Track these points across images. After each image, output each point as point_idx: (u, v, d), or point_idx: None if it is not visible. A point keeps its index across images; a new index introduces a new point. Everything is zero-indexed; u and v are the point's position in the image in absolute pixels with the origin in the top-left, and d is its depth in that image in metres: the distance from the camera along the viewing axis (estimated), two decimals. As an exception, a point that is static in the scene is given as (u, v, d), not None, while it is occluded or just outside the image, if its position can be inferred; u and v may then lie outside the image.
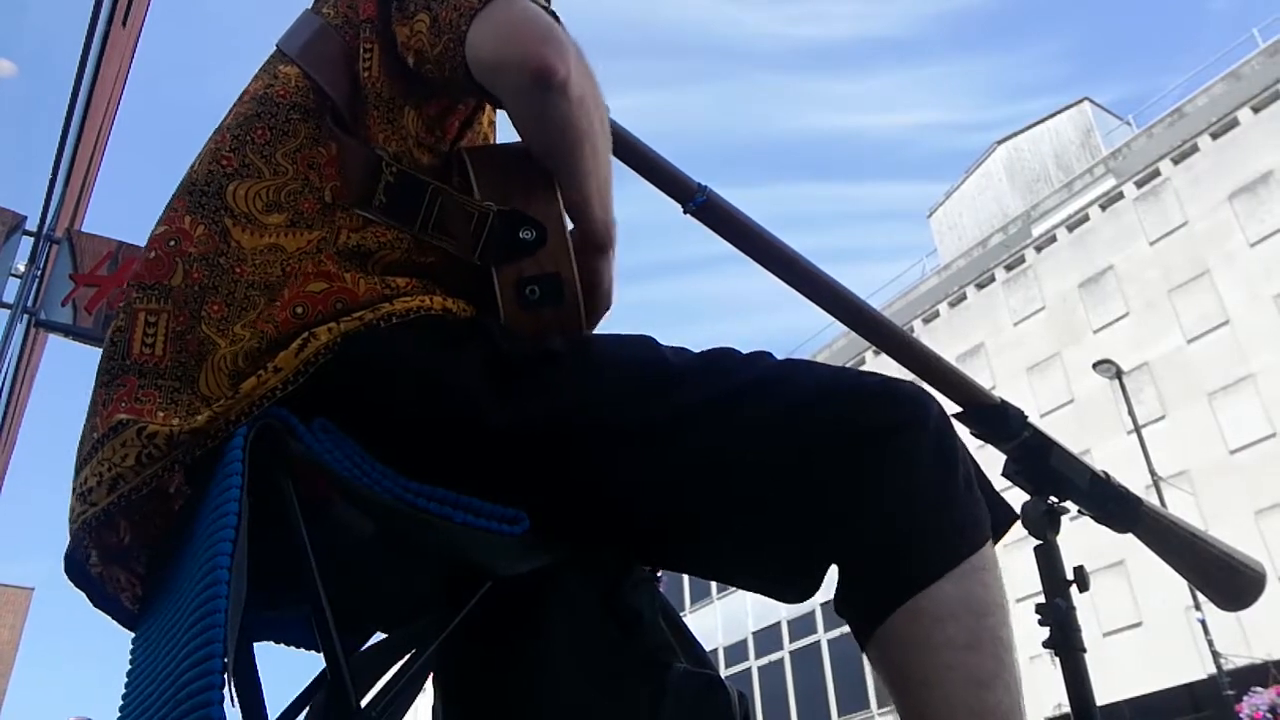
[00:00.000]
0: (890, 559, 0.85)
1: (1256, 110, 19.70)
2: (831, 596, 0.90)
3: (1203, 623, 13.86)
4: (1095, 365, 16.80)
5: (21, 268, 7.80)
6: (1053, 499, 1.11)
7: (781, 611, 23.76)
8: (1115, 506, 1.15)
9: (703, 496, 0.87)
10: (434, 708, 1.01)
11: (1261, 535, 16.07)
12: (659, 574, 1.02)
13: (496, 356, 0.88)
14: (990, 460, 0.99)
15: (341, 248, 0.90)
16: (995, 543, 0.92)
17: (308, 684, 0.95)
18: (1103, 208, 22.12)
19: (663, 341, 0.95)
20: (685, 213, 1.11)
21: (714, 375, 0.90)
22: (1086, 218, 22.40)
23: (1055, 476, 1.12)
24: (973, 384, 1.13)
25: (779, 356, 0.95)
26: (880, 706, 21.12)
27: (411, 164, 0.95)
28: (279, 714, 0.93)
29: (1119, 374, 16.21)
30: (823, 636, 22.91)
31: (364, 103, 0.96)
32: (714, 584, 25.01)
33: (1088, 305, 21.37)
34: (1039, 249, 23.25)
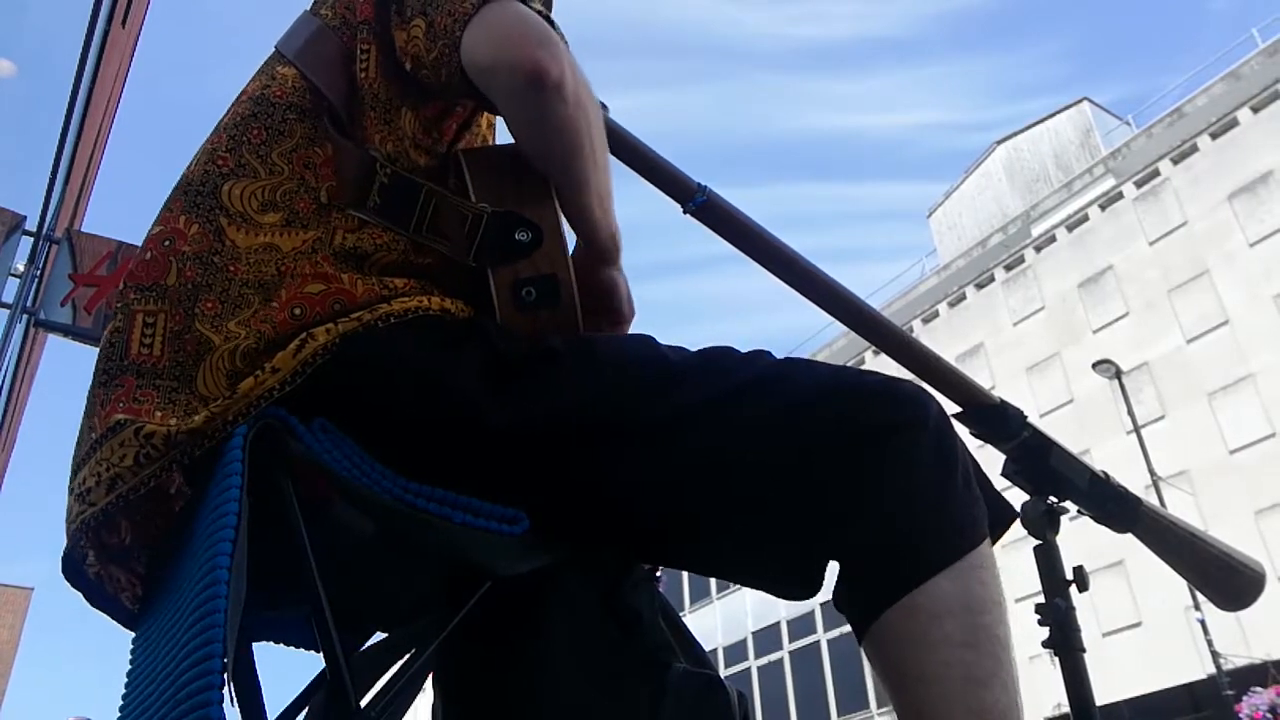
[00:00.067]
0: (889, 557, 0.85)
1: (1256, 110, 19.70)
2: (831, 596, 0.90)
3: (1202, 623, 13.87)
4: (1095, 365, 16.81)
5: (21, 267, 7.80)
6: (1052, 499, 1.11)
7: (781, 611, 23.77)
8: (1115, 506, 1.15)
9: (703, 496, 0.87)
10: (434, 708, 1.01)
11: (1261, 535, 16.07)
12: (659, 574, 1.02)
13: (495, 357, 0.88)
14: (990, 460, 0.99)
15: (338, 249, 0.90)
16: (994, 542, 0.92)
17: (308, 684, 0.95)
18: (1102, 208, 22.13)
19: (662, 341, 0.96)
20: (685, 213, 1.11)
21: (714, 374, 0.91)
22: (1086, 218, 22.41)
23: (1055, 476, 1.12)
24: (972, 384, 1.13)
25: (779, 356, 0.95)
26: (879, 706, 21.12)
27: (408, 166, 0.95)
28: (279, 714, 0.93)
29: (1118, 374, 16.22)
30: (822, 636, 22.92)
31: (361, 104, 0.96)
32: (713, 584, 25.07)
33: (1087, 305, 21.37)
34: (1038, 249, 23.25)
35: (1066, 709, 1.02)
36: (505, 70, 0.89)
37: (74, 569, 0.90)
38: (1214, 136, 20.23)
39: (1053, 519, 1.10)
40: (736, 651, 25.16)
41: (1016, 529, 1.03)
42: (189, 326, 0.86)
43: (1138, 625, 17.77)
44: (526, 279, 0.92)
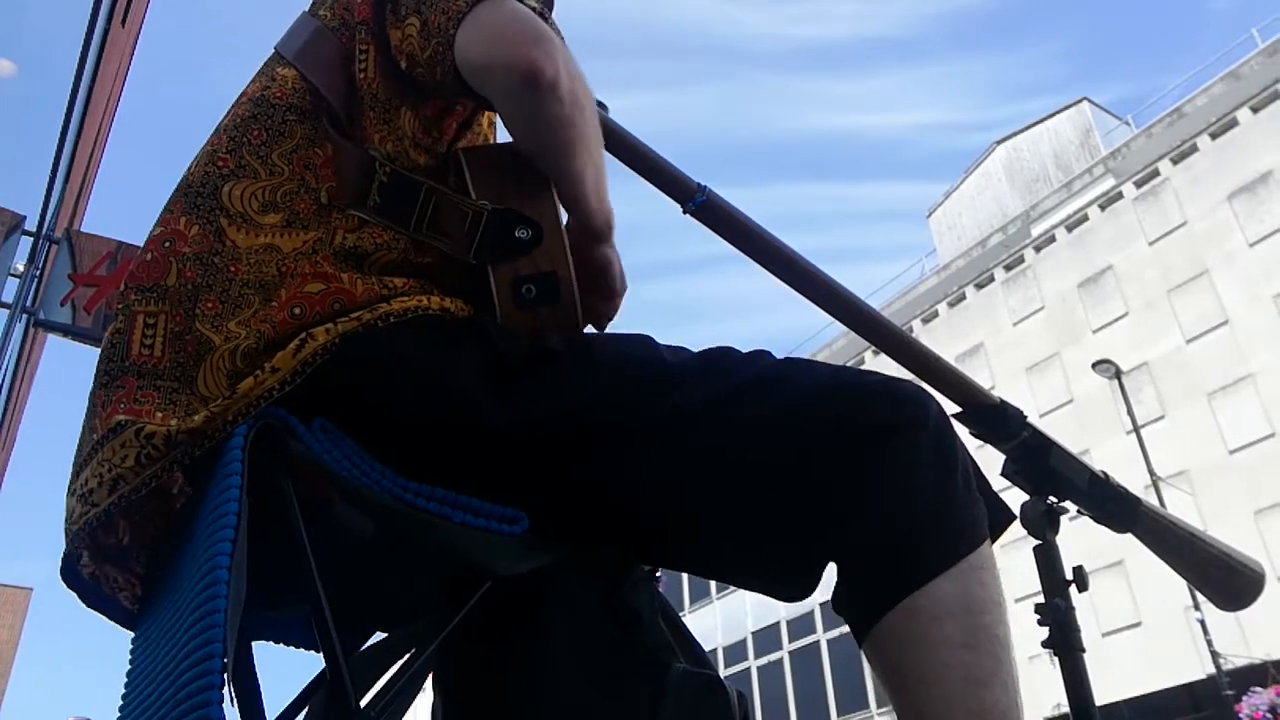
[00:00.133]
0: (889, 558, 0.85)
1: (1256, 110, 19.70)
2: (830, 596, 0.90)
3: (1202, 623, 13.87)
4: (1094, 365, 16.80)
5: (20, 267, 7.80)
6: (1052, 499, 1.11)
7: (781, 611, 23.77)
8: (1114, 506, 1.15)
9: (703, 496, 0.87)
10: (434, 707, 1.01)
11: (1261, 535, 16.07)
12: (659, 574, 1.02)
13: (495, 356, 0.88)
14: (990, 460, 0.99)
15: (338, 248, 0.90)
16: (993, 543, 0.92)
17: (308, 684, 0.95)
18: (1102, 208, 22.13)
19: (662, 342, 0.96)
20: (685, 213, 1.11)
21: (713, 375, 0.91)
22: (1086, 218, 22.41)
23: (1054, 476, 1.12)
24: (972, 384, 1.13)
25: (779, 356, 0.95)
26: (879, 706, 21.13)
27: (408, 165, 0.95)
28: (279, 714, 0.93)
29: (1118, 374, 16.22)
30: (822, 636, 22.91)
31: (360, 104, 0.96)
32: (713, 584, 25.02)
33: (1087, 305, 21.37)
34: (1038, 249, 23.25)
35: (1066, 709, 1.02)
36: (500, 69, 0.89)
37: (69, 570, 0.90)
38: (1214, 136, 20.23)
39: (1052, 519, 1.10)
40: (736, 651, 25.16)
41: (1017, 529, 1.03)
42: (189, 327, 0.86)
43: (1137, 625, 17.77)
44: (527, 276, 0.92)
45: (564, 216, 0.97)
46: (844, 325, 1.14)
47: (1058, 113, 27.95)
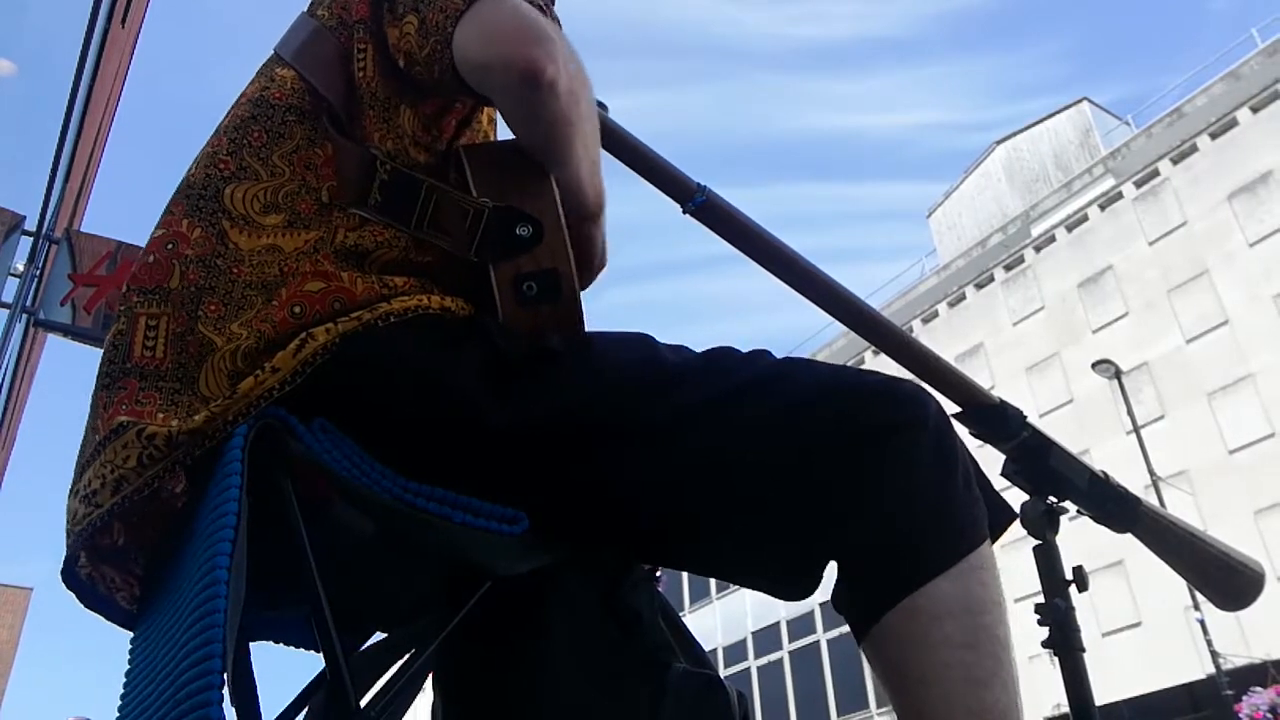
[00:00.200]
0: (889, 558, 0.85)
1: (1255, 110, 19.71)
2: (830, 596, 0.90)
3: (1202, 623, 13.87)
4: (1094, 365, 16.81)
5: (20, 267, 7.80)
6: (1052, 499, 1.11)
7: (781, 611, 23.77)
8: (1114, 506, 1.15)
9: (703, 496, 0.87)
10: (434, 707, 1.01)
11: (1261, 535, 16.07)
12: (659, 574, 1.02)
13: (495, 356, 0.88)
14: (990, 460, 0.99)
15: (339, 247, 0.90)
16: (993, 542, 0.92)
17: (308, 684, 0.95)
18: (1102, 208, 22.13)
19: (662, 341, 0.96)
20: (685, 213, 1.11)
21: (714, 374, 0.91)
22: (1085, 218, 22.41)
23: (1054, 476, 1.12)
24: (972, 384, 1.13)
25: (779, 356, 0.95)
26: (879, 706, 21.13)
27: (408, 163, 0.95)
28: (279, 714, 0.93)
29: (1118, 374, 16.22)
30: (822, 636, 22.92)
31: (359, 103, 0.96)
32: (713, 584, 25.06)
33: (1087, 305, 21.38)
34: (1038, 249, 23.26)
35: (1066, 709, 1.02)
36: (499, 68, 0.89)
37: (68, 571, 0.90)
38: (1214, 136, 20.24)
39: (1052, 519, 1.10)
40: (736, 651, 25.16)
41: (1017, 529, 1.03)
42: (192, 328, 0.86)
43: (1137, 625, 17.77)
44: (528, 274, 0.92)
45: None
46: (844, 325, 1.14)
47: (1058, 113, 27.96)
